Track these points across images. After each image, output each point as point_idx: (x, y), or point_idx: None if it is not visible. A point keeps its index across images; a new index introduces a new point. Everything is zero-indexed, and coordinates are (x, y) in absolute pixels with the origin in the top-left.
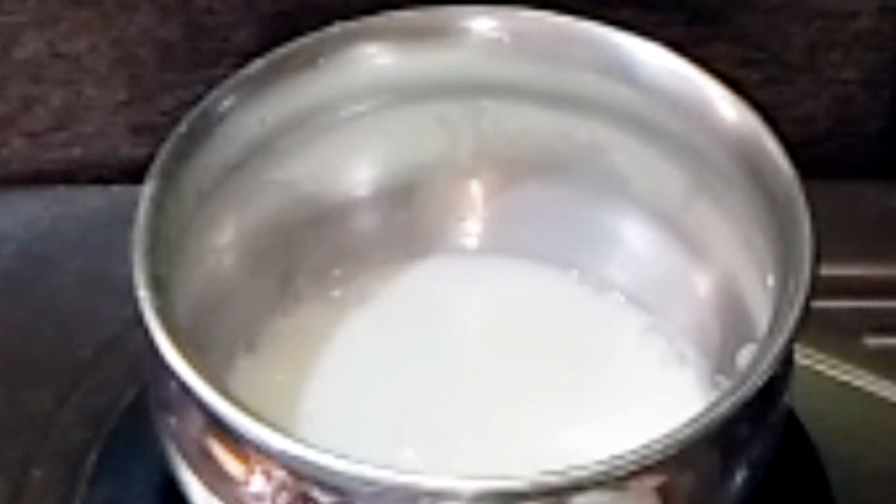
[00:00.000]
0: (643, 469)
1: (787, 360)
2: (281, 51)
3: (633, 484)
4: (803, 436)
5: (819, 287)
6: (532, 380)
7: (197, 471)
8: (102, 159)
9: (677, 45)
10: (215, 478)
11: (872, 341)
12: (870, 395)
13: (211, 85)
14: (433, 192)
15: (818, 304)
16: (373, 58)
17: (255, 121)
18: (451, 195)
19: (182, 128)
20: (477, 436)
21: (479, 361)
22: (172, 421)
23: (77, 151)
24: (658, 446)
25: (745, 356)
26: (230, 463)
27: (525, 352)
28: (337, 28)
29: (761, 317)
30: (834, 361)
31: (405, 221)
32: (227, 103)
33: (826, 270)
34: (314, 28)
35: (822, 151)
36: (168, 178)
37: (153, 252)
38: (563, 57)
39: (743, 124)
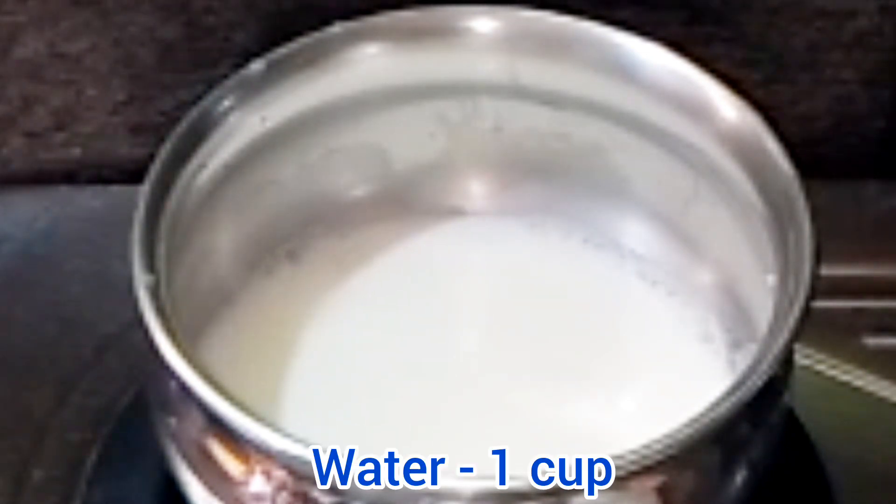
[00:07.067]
0: (643, 469)
1: (787, 360)
2: (281, 51)
3: (633, 484)
4: (803, 436)
5: (819, 287)
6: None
7: (197, 471)
8: (102, 159)
9: (677, 45)
10: (215, 478)
11: (872, 341)
12: (870, 395)
13: (211, 85)
14: (433, 193)
15: (818, 304)
16: (373, 58)
17: (255, 121)
18: (451, 195)
19: (182, 128)
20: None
21: (476, 360)
22: (172, 421)
23: (77, 151)
24: (658, 446)
25: (745, 355)
26: (230, 463)
27: (522, 351)
28: (337, 28)
29: (761, 317)
30: (834, 361)
31: (405, 221)
32: (227, 103)
33: (826, 270)
34: (314, 28)
35: (822, 151)
36: (168, 178)
37: (153, 252)
38: (563, 57)
39: (743, 124)
